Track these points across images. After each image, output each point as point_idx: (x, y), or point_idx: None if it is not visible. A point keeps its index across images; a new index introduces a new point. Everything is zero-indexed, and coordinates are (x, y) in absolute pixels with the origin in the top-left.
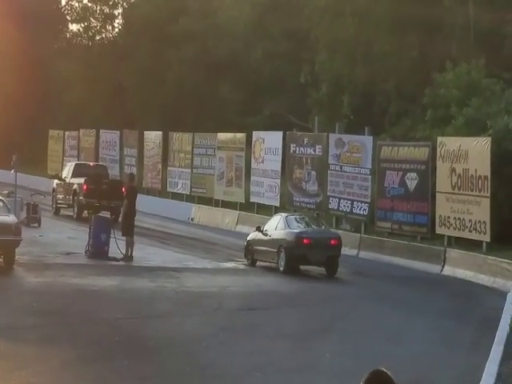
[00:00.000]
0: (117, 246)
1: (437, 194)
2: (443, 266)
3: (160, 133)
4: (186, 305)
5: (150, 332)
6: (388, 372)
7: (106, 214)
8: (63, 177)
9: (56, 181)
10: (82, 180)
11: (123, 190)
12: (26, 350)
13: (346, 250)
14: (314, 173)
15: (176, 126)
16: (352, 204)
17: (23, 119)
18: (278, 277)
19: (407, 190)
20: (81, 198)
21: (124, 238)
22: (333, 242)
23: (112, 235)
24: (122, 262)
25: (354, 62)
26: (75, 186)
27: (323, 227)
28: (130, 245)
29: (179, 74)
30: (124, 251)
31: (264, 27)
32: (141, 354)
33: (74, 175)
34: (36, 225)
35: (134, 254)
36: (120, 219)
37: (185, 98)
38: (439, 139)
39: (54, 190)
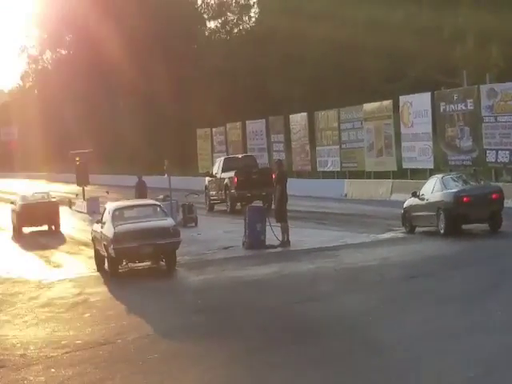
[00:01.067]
0: (273, 233)
1: None
2: None
3: (305, 114)
4: (347, 282)
5: (315, 314)
6: None
7: (258, 203)
8: (214, 173)
9: (207, 178)
10: (232, 173)
11: (273, 176)
12: (196, 347)
13: (509, 203)
14: (467, 128)
15: (320, 104)
16: (511, 154)
17: (170, 122)
18: (439, 240)
19: None
20: (232, 191)
21: (279, 224)
22: (494, 196)
23: (267, 223)
24: (279, 249)
25: (500, 7)
26: (226, 181)
27: (482, 182)
28: (285, 230)
29: (318, 51)
30: (280, 237)
31: None
32: (308, 337)
33: (224, 170)
34: (193, 224)
35: (290, 239)
36: (273, 206)
37: (327, 74)
38: None
39: (206, 188)
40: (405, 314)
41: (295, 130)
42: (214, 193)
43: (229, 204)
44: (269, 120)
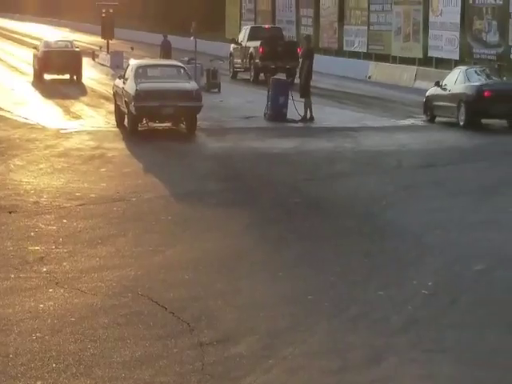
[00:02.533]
0: (295, 107)
1: None
2: None
3: None
4: (364, 164)
5: (330, 193)
6: None
7: (282, 76)
8: (239, 41)
9: (233, 45)
10: (257, 43)
11: (299, 50)
12: (210, 214)
13: None
14: (494, 22)
15: None
16: None
17: None
18: (459, 132)
19: None
20: (257, 61)
21: (302, 99)
22: None
23: (290, 97)
24: (300, 124)
25: None
26: (251, 50)
27: (505, 78)
28: (308, 106)
29: None
30: (302, 113)
31: None
32: (321, 215)
33: (250, 39)
34: (216, 90)
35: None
36: (299, 81)
37: None
38: None
39: (230, 55)
40: (419, 202)
41: (325, 6)
42: (238, 61)
43: (252, 74)
44: None
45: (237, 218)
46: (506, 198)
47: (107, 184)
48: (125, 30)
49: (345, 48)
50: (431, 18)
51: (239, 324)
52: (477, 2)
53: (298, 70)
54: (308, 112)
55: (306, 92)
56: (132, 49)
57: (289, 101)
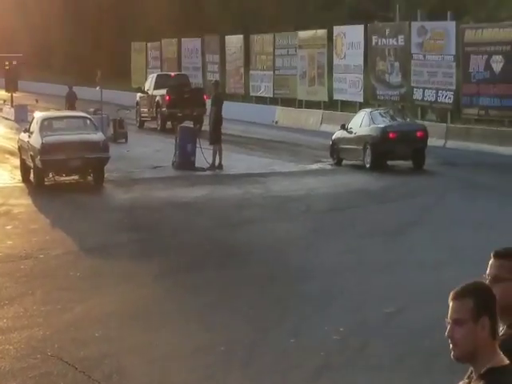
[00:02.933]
0: (203, 155)
1: None
2: None
3: (241, 36)
4: (274, 209)
5: (240, 239)
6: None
7: (189, 124)
8: (146, 89)
9: (139, 94)
10: (164, 91)
11: (205, 97)
12: (119, 266)
13: (432, 141)
14: (397, 64)
15: (256, 28)
16: (437, 93)
17: (105, 34)
18: (365, 174)
19: (493, 73)
20: (164, 109)
21: (211, 146)
22: (419, 134)
23: (198, 145)
24: (208, 172)
25: None
26: (158, 98)
27: (408, 120)
28: (219, 153)
29: None
30: (210, 160)
31: None
32: (231, 262)
33: (156, 87)
34: (123, 140)
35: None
36: (209, 127)
37: None
38: None
39: (137, 104)
40: (328, 245)
41: (231, 52)
42: (145, 109)
43: (159, 122)
44: (204, 39)
45: (147, 268)
46: (413, 238)
47: (14, 242)
48: (29, 82)
49: (251, 93)
50: (335, 61)
51: (151, 379)
52: (379, 43)
53: (206, 117)
54: (217, 159)
55: (214, 139)
56: (37, 101)
57: (197, 148)
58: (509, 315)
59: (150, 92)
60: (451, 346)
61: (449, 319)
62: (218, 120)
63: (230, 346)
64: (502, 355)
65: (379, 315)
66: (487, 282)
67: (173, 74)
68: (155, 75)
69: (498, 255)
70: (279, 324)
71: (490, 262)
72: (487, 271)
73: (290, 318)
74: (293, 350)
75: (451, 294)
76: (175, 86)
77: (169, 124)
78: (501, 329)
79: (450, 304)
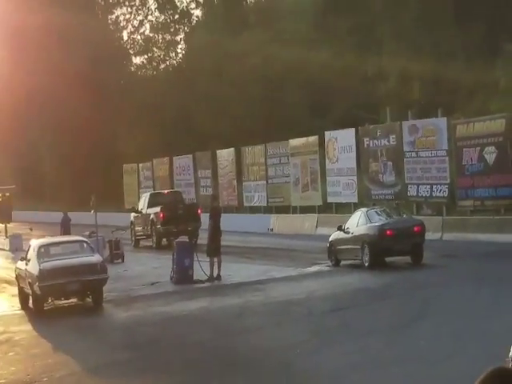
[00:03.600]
0: (200, 267)
1: None
2: None
3: (232, 149)
4: (275, 315)
5: (243, 348)
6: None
7: (184, 239)
8: (139, 209)
9: (133, 214)
10: (157, 209)
11: (199, 212)
12: None
13: (429, 235)
14: (390, 163)
15: (247, 141)
16: (431, 188)
17: (96, 159)
18: (364, 273)
19: (486, 164)
20: (158, 226)
21: (206, 259)
22: (416, 229)
23: (195, 258)
24: (207, 284)
25: (421, 47)
26: (152, 216)
27: (405, 216)
28: (218, 264)
29: (244, 88)
30: (208, 272)
31: (326, 27)
32: (237, 372)
33: (150, 205)
34: (120, 260)
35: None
36: (207, 240)
37: (253, 111)
38: None
39: (131, 223)
40: (332, 347)
41: (222, 166)
42: (139, 228)
43: (155, 240)
44: (196, 155)
45: None
46: (417, 331)
47: (16, 367)
48: (22, 211)
49: (245, 204)
50: (328, 165)
51: None
52: (371, 145)
53: (203, 230)
54: (215, 271)
55: (212, 251)
56: (31, 229)
57: (194, 262)
58: None
59: (143, 211)
60: None
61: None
62: (215, 233)
63: None
64: None
65: None
66: (510, 364)
67: (166, 191)
68: (148, 194)
69: None
70: None
71: None
72: (510, 354)
73: None
74: None
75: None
76: (169, 202)
77: (164, 241)
78: None
79: None
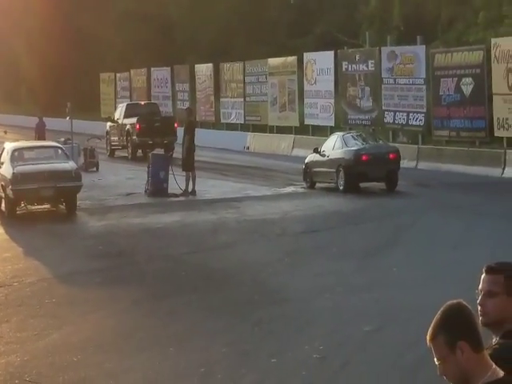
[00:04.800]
0: (175, 181)
1: (493, 96)
2: (504, 169)
3: (211, 65)
4: (249, 233)
5: (216, 263)
6: (467, 306)
7: (159, 151)
8: (115, 118)
9: (109, 123)
10: (134, 120)
11: (176, 125)
12: (96, 293)
13: (404, 163)
14: (367, 89)
15: (226, 57)
16: (408, 116)
17: (74, 66)
18: (339, 196)
19: (463, 95)
20: (134, 137)
21: (182, 173)
22: (391, 156)
23: (170, 172)
24: (182, 198)
25: None
26: (128, 127)
27: (381, 142)
28: (193, 179)
29: (227, 2)
30: (183, 186)
31: None
32: (209, 286)
33: (126, 116)
34: (94, 169)
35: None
36: (181, 154)
37: (233, 27)
38: (493, 40)
39: (107, 133)
40: (304, 268)
41: (201, 80)
42: (115, 138)
43: (130, 151)
44: (174, 68)
45: (123, 295)
46: (389, 258)
47: None
48: None
49: (222, 120)
50: (306, 87)
51: None
52: (350, 69)
53: (177, 144)
54: (190, 185)
55: (187, 165)
56: (5, 132)
57: (169, 175)
58: (501, 328)
59: (120, 121)
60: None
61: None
62: (190, 147)
63: (209, 368)
64: (494, 365)
65: (359, 333)
66: (479, 297)
67: (143, 102)
68: (125, 104)
69: (490, 270)
70: (259, 345)
71: (482, 276)
72: (479, 286)
73: (270, 339)
74: (274, 370)
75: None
76: (145, 114)
77: (139, 152)
78: (493, 340)
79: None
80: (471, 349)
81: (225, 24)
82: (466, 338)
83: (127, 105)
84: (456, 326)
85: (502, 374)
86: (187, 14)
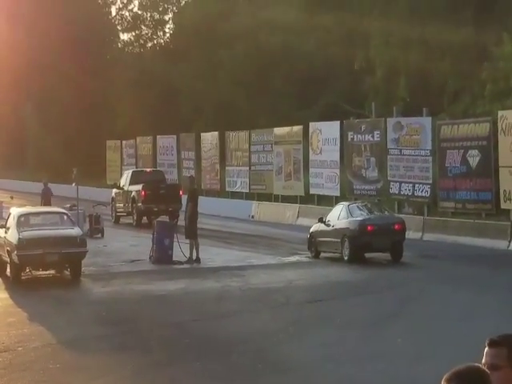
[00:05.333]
0: (180, 249)
1: (500, 168)
2: (510, 241)
3: (216, 133)
4: (253, 302)
5: (220, 332)
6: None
7: (164, 218)
8: (121, 185)
9: (115, 190)
10: (139, 187)
11: (181, 193)
12: (99, 360)
13: (409, 234)
14: (373, 159)
15: (231, 125)
16: (413, 187)
17: (80, 133)
18: (343, 266)
19: (469, 167)
20: (139, 204)
21: (187, 240)
22: (397, 226)
23: (175, 239)
24: (186, 265)
25: (409, 43)
26: (133, 194)
27: (386, 213)
28: (196, 247)
29: (232, 72)
30: (188, 254)
31: (315, 17)
32: (212, 355)
33: (132, 183)
34: (99, 235)
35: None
36: (184, 222)
37: (239, 96)
38: (500, 113)
39: (112, 199)
40: (308, 337)
41: (206, 149)
42: (120, 205)
43: (135, 217)
44: (180, 136)
45: (126, 362)
46: (393, 329)
47: None
48: (3, 180)
49: (227, 189)
50: (311, 157)
51: None
52: (355, 139)
53: (182, 212)
54: (194, 253)
55: (191, 233)
56: (12, 198)
57: (174, 242)
58: None
59: (125, 188)
60: None
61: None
62: (193, 214)
63: None
64: None
65: None
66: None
67: (148, 170)
68: (131, 171)
69: (493, 343)
70: None
71: (486, 350)
72: (483, 360)
73: None
74: None
75: (487, 341)
76: (151, 181)
77: (144, 219)
78: None
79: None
80: None
81: (230, 94)
82: None
83: (133, 172)
84: None
85: None
86: (191, 82)
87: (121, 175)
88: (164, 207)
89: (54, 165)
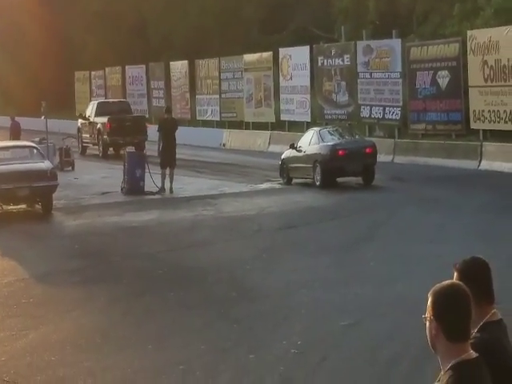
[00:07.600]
0: (152, 179)
1: (469, 88)
2: (480, 161)
3: (186, 62)
4: (226, 230)
5: (193, 261)
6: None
7: (131, 150)
8: (87, 116)
9: (80, 120)
10: (105, 119)
11: (146, 125)
12: (73, 292)
13: (381, 157)
14: (343, 83)
15: (201, 53)
16: (384, 110)
17: (48, 66)
18: (316, 192)
19: (439, 88)
20: (105, 137)
21: (159, 170)
22: (368, 150)
23: (147, 170)
24: (158, 196)
25: None
26: (99, 125)
27: (357, 137)
28: (170, 177)
29: (200, 1)
30: (160, 184)
31: None
32: (186, 284)
33: (98, 114)
34: (70, 168)
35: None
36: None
37: (208, 24)
38: (469, 33)
39: (79, 130)
40: (281, 264)
41: (176, 78)
42: (86, 136)
43: (101, 149)
44: (149, 66)
45: (100, 294)
46: (366, 252)
47: None
48: None
49: (198, 117)
50: (282, 83)
51: None
52: (325, 64)
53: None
54: (167, 183)
55: (162, 163)
56: None
57: (146, 174)
58: (474, 325)
59: (91, 119)
60: None
61: None
62: (162, 145)
63: (188, 365)
64: (470, 351)
65: (336, 328)
66: None
67: (114, 100)
68: (96, 102)
69: (454, 267)
70: (237, 342)
71: (455, 275)
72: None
73: (248, 335)
74: (252, 366)
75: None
76: (116, 113)
77: (110, 150)
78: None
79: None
80: (442, 334)
81: (199, 22)
82: (440, 322)
83: (98, 103)
84: (441, 306)
85: (474, 355)
86: (161, 12)
87: None
88: (130, 139)
89: (22, 100)
